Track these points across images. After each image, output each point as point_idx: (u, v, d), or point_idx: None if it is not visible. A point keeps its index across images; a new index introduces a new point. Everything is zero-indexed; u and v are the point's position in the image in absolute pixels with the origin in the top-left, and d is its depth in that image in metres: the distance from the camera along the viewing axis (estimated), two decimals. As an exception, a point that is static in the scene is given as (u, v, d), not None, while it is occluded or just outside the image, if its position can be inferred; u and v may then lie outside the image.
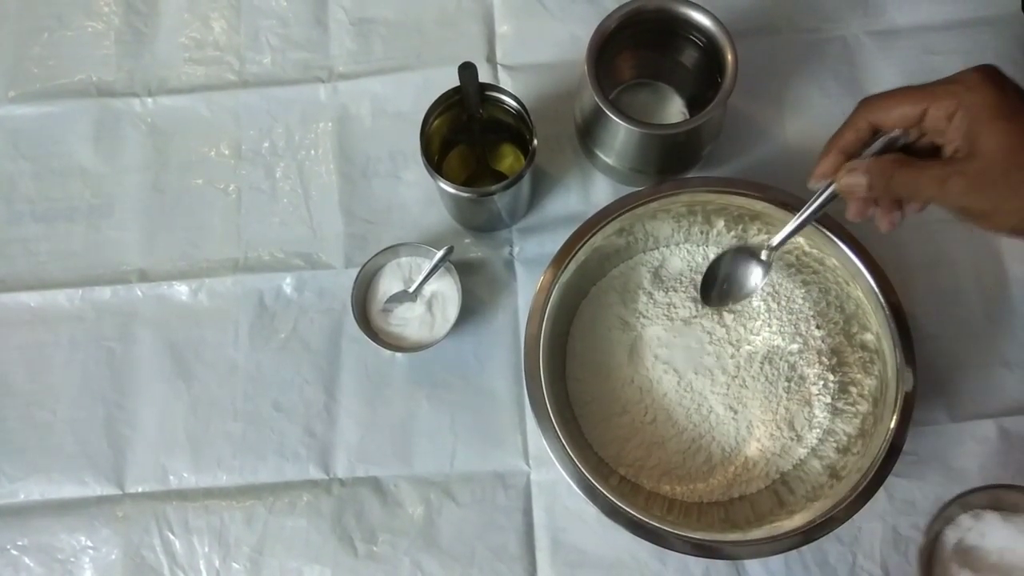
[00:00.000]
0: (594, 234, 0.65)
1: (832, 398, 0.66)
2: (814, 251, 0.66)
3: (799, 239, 0.65)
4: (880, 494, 0.59)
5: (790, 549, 0.58)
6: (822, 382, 0.67)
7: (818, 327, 0.68)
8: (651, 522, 0.59)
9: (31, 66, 0.82)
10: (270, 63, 0.81)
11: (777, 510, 0.63)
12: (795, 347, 0.68)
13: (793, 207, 0.63)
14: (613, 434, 0.68)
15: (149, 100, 0.80)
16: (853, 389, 0.66)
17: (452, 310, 0.70)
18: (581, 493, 0.60)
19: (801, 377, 0.68)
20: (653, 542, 0.59)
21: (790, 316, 0.69)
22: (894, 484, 0.68)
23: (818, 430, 0.66)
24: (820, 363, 0.67)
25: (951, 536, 0.63)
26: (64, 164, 0.79)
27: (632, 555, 0.68)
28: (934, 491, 0.68)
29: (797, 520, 0.58)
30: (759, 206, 0.65)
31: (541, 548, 0.68)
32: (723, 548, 0.59)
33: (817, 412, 0.67)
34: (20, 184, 0.79)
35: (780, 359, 0.68)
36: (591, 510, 0.68)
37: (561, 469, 0.61)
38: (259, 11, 0.82)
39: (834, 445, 0.65)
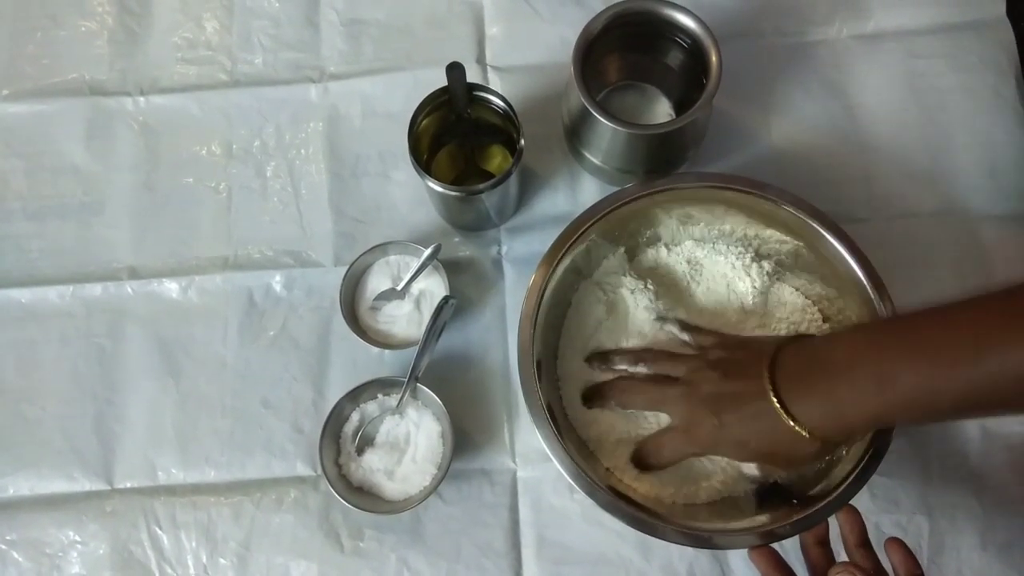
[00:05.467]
0: (585, 230, 0.65)
1: None
2: (809, 254, 0.66)
3: (789, 239, 0.66)
4: (864, 492, 0.59)
5: (777, 539, 0.58)
6: None
7: (806, 325, 0.68)
8: (648, 514, 0.59)
9: (24, 65, 0.82)
10: (261, 63, 0.82)
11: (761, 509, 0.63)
12: None
13: (783, 202, 0.64)
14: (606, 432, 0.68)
15: (141, 99, 0.81)
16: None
17: (440, 308, 0.70)
18: (576, 486, 0.59)
19: None
20: (645, 531, 0.58)
21: (778, 314, 0.69)
22: (877, 482, 0.68)
23: None
24: None
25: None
26: (56, 162, 0.80)
27: (616, 551, 0.68)
28: (917, 489, 0.69)
29: (781, 513, 0.59)
30: (748, 201, 0.65)
31: (527, 544, 0.69)
32: (712, 537, 0.58)
33: None
34: (12, 181, 0.79)
35: None
36: (576, 507, 0.69)
37: (557, 463, 0.60)
38: (251, 12, 0.83)
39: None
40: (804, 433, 0.53)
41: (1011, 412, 0.49)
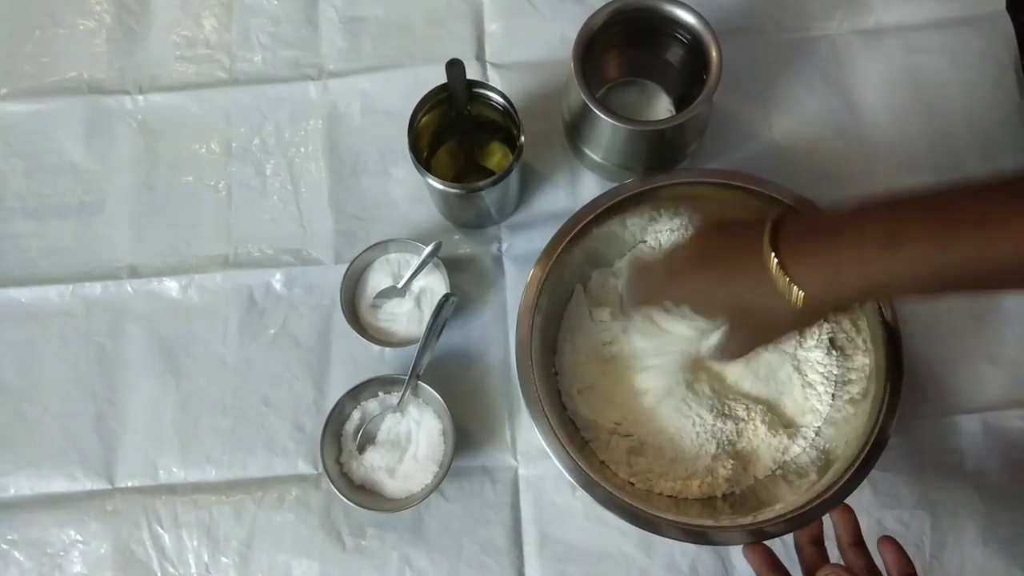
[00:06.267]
0: (583, 226, 0.65)
1: (825, 393, 0.67)
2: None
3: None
4: (865, 488, 0.59)
5: (770, 537, 0.58)
6: (819, 374, 0.67)
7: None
8: (644, 508, 0.59)
9: (23, 63, 0.82)
10: (261, 61, 0.81)
11: (761, 504, 0.63)
12: (789, 347, 0.68)
13: (784, 198, 0.64)
14: (604, 429, 0.68)
15: (140, 98, 0.81)
16: (845, 386, 0.66)
17: (440, 306, 0.70)
18: (575, 483, 0.60)
19: (795, 372, 0.68)
20: (640, 526, 0.59)
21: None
22: (879, 478, 0.68)
23: (810, 428, 0.67)
24: (817, 357, 0.67)
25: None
26: (55, 161, 0.79)
27: (619, 549, 0.68)
28: (918, 485, 0.69)
29: (779, 508, 0.59)
30: (749, 197, 0.65)
31: (529, 542, 0.69)
32: (707, 533, 0.58)
33: (809, 408, 0.67)
34: (11, 181, 0.79)
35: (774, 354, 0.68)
36: (578, 505, 0.69)
37: (553, 457, 0.60)
38: (250, 10, 0.83)
39: (823, 441, 0.65)
40: (791, 293, 0.47)
41: (1007, 288, 0.46)
